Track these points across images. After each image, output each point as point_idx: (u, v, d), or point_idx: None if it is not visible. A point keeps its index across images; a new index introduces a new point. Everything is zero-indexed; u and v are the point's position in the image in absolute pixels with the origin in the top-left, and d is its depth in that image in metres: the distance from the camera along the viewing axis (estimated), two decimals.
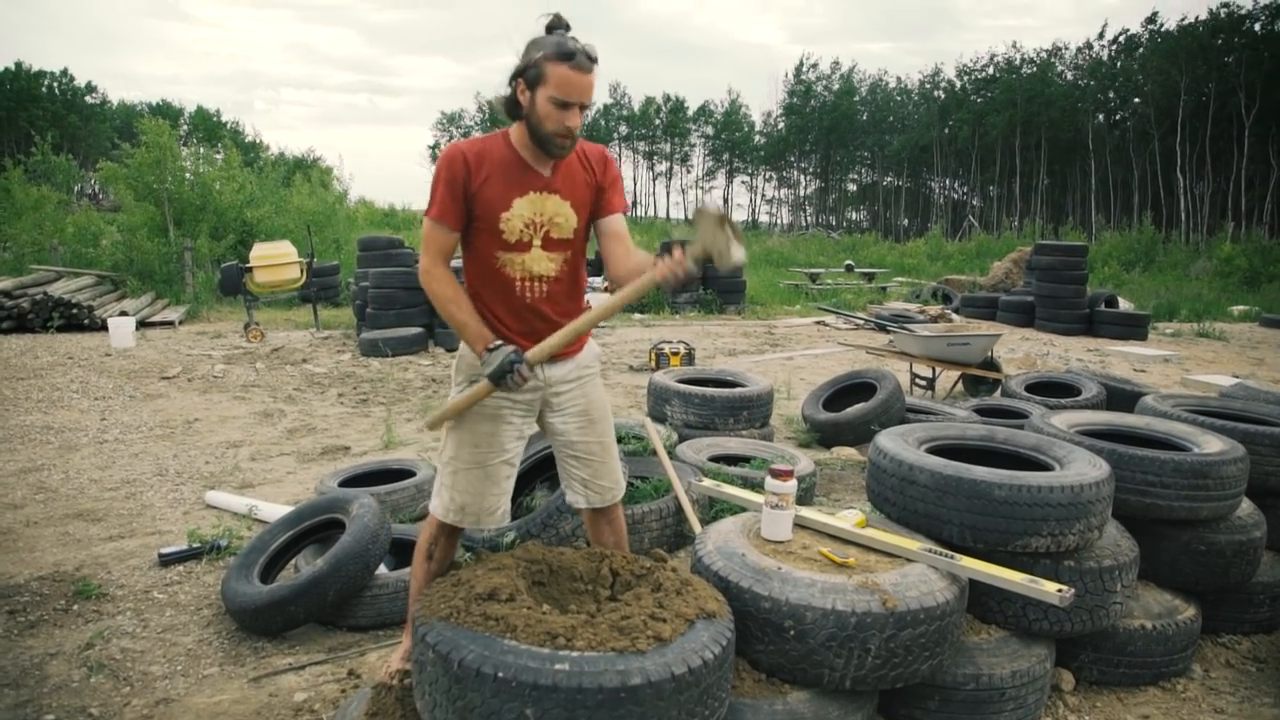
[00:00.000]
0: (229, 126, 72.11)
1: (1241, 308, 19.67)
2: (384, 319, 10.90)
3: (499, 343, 2.52)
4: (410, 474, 4.88)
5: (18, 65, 71.27)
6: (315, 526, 3.92)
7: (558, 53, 2.38)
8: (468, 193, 2.50)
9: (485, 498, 2.66)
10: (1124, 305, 16.20)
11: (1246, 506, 3.50)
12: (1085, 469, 2.93)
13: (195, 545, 4.32)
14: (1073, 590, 2.46)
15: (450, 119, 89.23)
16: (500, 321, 2.64)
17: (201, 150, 19.81)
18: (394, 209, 37.15)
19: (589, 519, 2.96)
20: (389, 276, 11.13)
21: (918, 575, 2.53)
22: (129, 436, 6.67)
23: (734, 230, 2.41)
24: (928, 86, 73.87)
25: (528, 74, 2.43)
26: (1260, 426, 3.74)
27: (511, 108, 2.51)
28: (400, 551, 3.89)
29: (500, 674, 1.94)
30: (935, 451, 3.27)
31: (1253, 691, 3.23)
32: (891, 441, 3.19)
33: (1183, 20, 51.79)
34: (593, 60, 2.42)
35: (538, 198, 2.55)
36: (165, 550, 4.27)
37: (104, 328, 11.67)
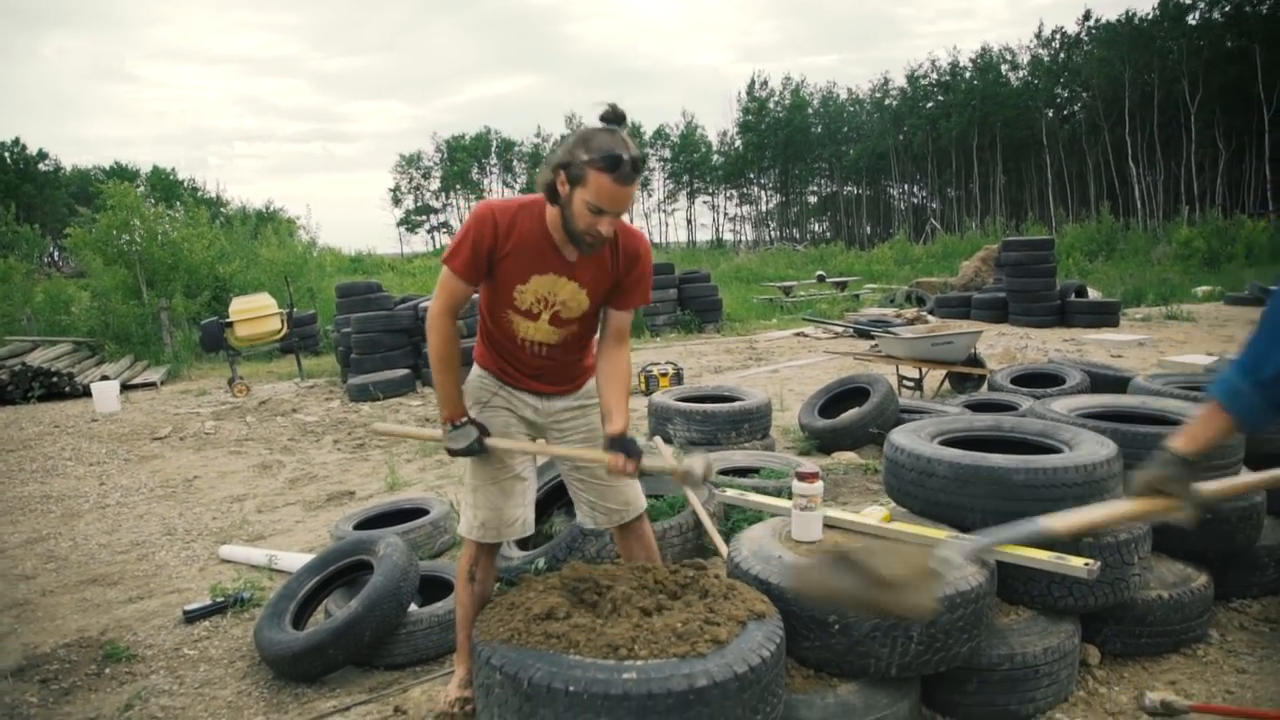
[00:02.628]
0: (186, 184, 71.73)
1: (1205, 288, 20.11)
2: (369, 363, 10.93)
3: (465, 420, 2.67)
4: (424, 512, 4.92)
5: None
6: (342, 570, 3.96)
7: (604, 161, 2.32)
8: (491, 257, 2.53)
9: (503, 511, 2.79)
10: (1093, 294, 16.54)
11: (1245, 474, 3.63)
12: (1095, 449, 3.06)
13: (219, 599, 4.34)
14: (1099, 563, 2.58)
15: (409, 161, 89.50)
16: (504, 360, 2.79)
17: (169, 211, 19.74)
18: (360, 254, 37.19)
19: (618, 537, 3.05)
20: (371, 321, 11.19)
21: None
22: (131, 499, 6.66)
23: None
24: (878, 95, 75.12)
25: (570, 170, 2.37)
26: None
27: (550, 193, 2.46)
28: (427, 589, 3.94)
29: (571, 688, 2.02)
30: (947, 444, 3.38)
31: (1269, 650, 3.36)
32: (906, 438, 3.30)
33: (1126, 14, 53.20)
34: (638, 172, 2.38)
35: (555, 280, 2.59)
36: (189, 607, 4.28)
37: (86, 394, 11.60)
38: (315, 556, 4.08)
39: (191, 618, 4.22)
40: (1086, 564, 2.56)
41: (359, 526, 4.79)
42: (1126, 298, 17.82)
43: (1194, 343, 12.23)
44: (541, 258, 2.56)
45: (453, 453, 2.69)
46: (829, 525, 3.02)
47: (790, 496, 3.13)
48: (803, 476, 2.91)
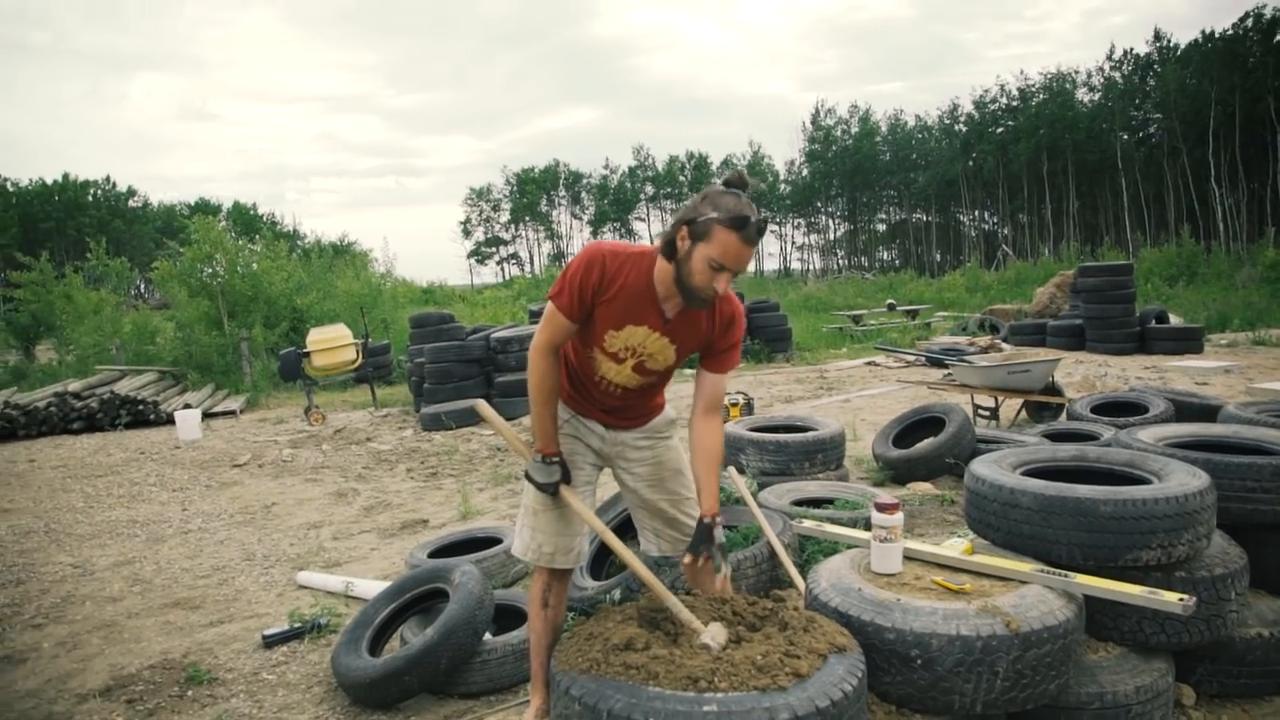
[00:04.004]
0: (265, 219, 74.26)
1: None
2: (441, 393, 11.11)
3: (556, 459, 2.72)
4: (497, 540, 4.96)
5: (65, 176, 74.43)
6: (418, 597, 4.01)
7: (731, 220, 2.35)
8: (593, 300, 2.57)
9: (560, 537, 2.81)
10: (1174, 320, 16.02)
11: None
12: (1186, 479, 2.95)
13: (297, 625, 4.42)
14: (1194, 598, 2.48)
15: (479, 193, 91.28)
16: (578, 391, 2.83)
17: (250, 245, 20.44)
18: (432, 285, 37.85)
19: (688, 570, 3.03)
20: (444, 351, 11.39)
21: (1035, 596, 2.57)
22: (212, 524, 6.85)
23: None
24: (947, 121, 74.34)
25: (695, 227, 2.40)
26: None
27: (668, 249, 2.48)
28: (501, 617, 3.96)
29: (651, 719, 2.00)
30: (1030, 475, 3.30)
31: None
32: (988, 469, 3.23)
33: (1204, 32, 51.92)
34: (761, 234, 2.42)
35: (648, 333, 2.62)
36: (268, 632, 4.37)
37: (170, 421, 12.02)
38: (391, 584, 4.14)
39: (270, 643, 4.30)
40: (1181, 599, 2.45)
41: (433, 554, 4.85)
42: (1210, 323, 17.24)
43: None
44: (640, 310, 2.59)
45: (534, 483, 2.74)
46: (909, 557, 2.96)
47: (867, 527, 3.08)
48: (882, 508, 2.86)
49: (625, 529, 4.28)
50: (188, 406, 12.43)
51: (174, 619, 4.81)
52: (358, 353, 12.45)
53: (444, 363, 11.27)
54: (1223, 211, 48.42)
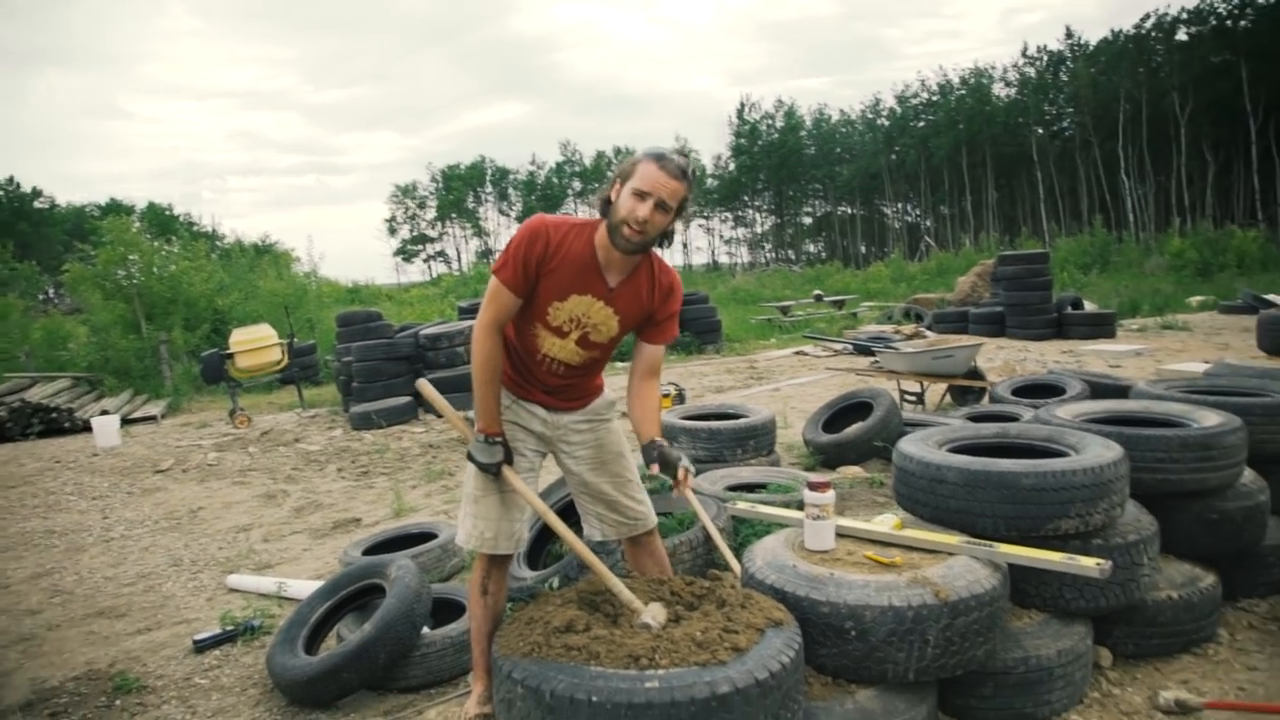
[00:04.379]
0: (182, 219, 71.97)
1: (1199, 298, 20.24)
2: (371, 391, 10.97)
3: (499, 439, 2.73)
4: (433, 536, 4.93)
5: None
6: (353, 594, 3.96)
7: (651, 153, 2.54)
8: (539, 271, 2.61)
9: (501, 522, 2.82)
10: (1089, 306, 16.62)
11: (1249, 474, 3.66)
12: (1101, 451, 3.08)
13: (229, 628, 4.34)
14: (1110, 563, 2.60)
15: (404, 191, 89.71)
16: (519, 373, 2.85)
17: (167, 246, 19.84)
18: (358, 285, 37.20)
19: (630, 551, 3.09)
20: (372, 349, 11.24)
21: (963, 566, 2.66)
22: (135, 532, 6.65)
23: None
24: (870, 116, 75.71)
25: (623, 171, 2.57)
26: (1251, 398, 3.94)
27: (603, 205, 2.61)
28: (439, 611, 3.94)
29: (594, 698, 2.03)
30: (956, 452, 3.41)
31: (1279, 648, 3.38)
32: (915, 446, 3.33)
33: (1114, 32, 53.93)
34: (683, 171, 2.53)
35: (592, 302, 2.67)
36: (199, 636, 4.28)
37: (86, 429, 11.61)
38: (326, 582, 4.09)
39: (202, 647, 4.21)
40: (1099, 563, 2.57)
41: (367, 552, 4.79)
42: (1122, 309, 17.92)
43: (1190, 351, 12.29)
44: (584, 278, 2.64)
45: (476, 463, 2.73)
46: (841, 534, 3.04)
47: (800, 509, 3.15)
48: (814, 486, 2.93)
49: (567, 515, 4.30)
50: (105, 413, 12.02)
51: (98, 629, 4.68)
52: (283, 353, 12.20)
53: (372, 361, 11.12)
54: (1132, 203, 50.33)
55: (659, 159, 2.51)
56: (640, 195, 2.50)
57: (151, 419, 12.83)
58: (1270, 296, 16.39)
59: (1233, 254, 27.52)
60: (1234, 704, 2.90)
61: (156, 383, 15.39)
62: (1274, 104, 44.41)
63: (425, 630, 3.76)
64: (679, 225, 2.68)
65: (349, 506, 6.87)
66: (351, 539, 5.76)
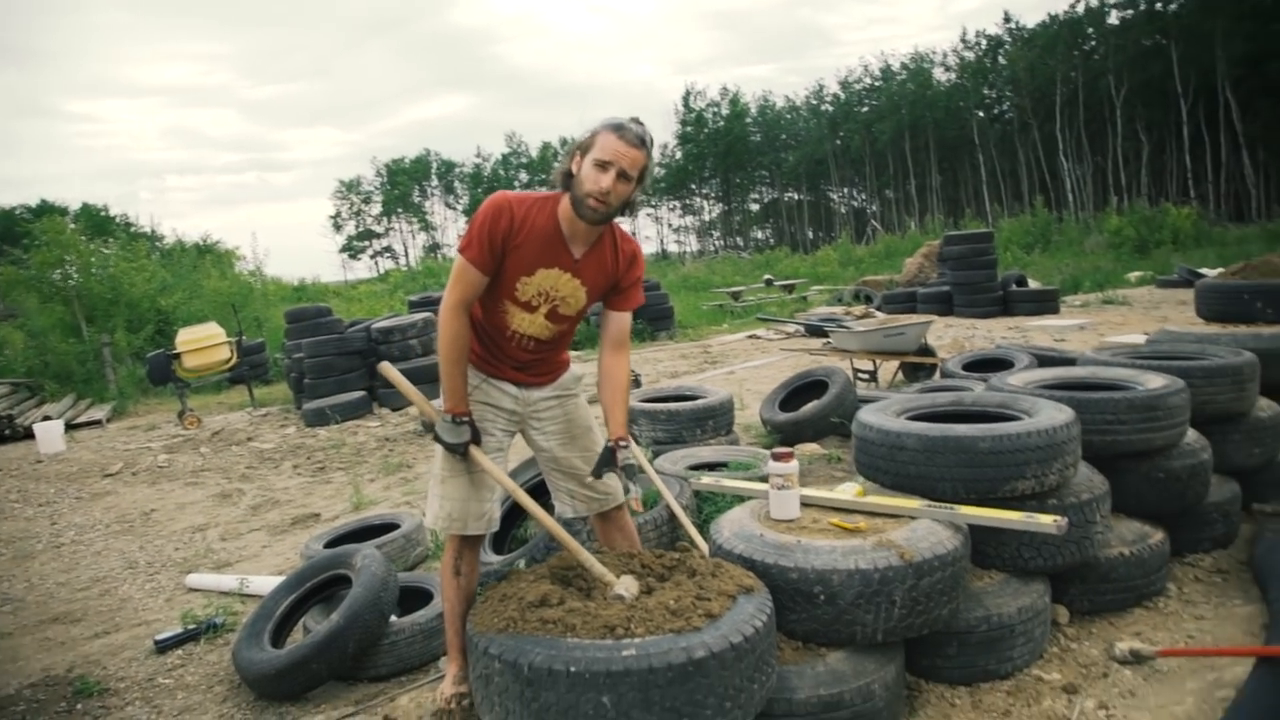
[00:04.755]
0: (119, 220, 70.15)
1: (1137, 274, 20.77)
2: (324, 387, 10.84)
3: (465, 419, 2.71)
4: (395, 526, 4.91)
5: None
6: (319, 586, 3.94)
7: (609, 124, 2.57)
8: (505, 247, 2.62)
9: (470, 502, 2.82)
10: (1033, 284, 16.99)
11: (1192, 434, 3.79)
12: (1054, 414, 3.18)
13: (191, 627, 4.28)
14: (1066, 519, 2.69)
15: (349, 186, 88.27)
16: (488, 350, 2.85)
17: (104, 249, 19.36)
18: (304, 283, 36.59)
19: (599, 527, 3.12)
20: (323, 345, 11.10)
21: (925, 529, 2.74)
22: (86, 536, 6.51)
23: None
24: (814, 102, 76.28)
25: (582, 143, 2.60)
26: (1192, 362, 4.08)
27: (564, 178, 2.63)
28: (406, 601, 3.92)
29: (573, 669, 2.06)
30: (913, 420, 3.48)
31: (1223, 598, 3.54)
32: (874, 416, 3.40)
33: (1050, 16, 54.89)
34: (642, 140, 2.57)
35: (559, 275, 2.70)
36: (160, 636, 4.22)
37: (29, 435, 11.30)
38: (290, 575, 4.05)
39: (164, 647, 4.15)
40: (1055, 520, 2.66)
41: (330, 545, 4.74)
42: (1065, 286, 18.34)
43: (1131, 324, 12.64)
44: (550, 251, 2.66)
45: (443, 444, 2.73)
46: (806, 504, 3.09)
47: (763, 482, 3.20)
48: (778, 456, 2.98)
49: (536, 496, 4.30)
50: (47, 418, 11.71)
51: (53, 634, 4.58)
52: (232, 352, 11.99)
53: (324, 356, 10.99)
54: (1071, 183, 51.43)
55: (618, 129, 2.54)
56: (602, 166, 2.53)
57: (97, 423, 12.53)
58: (1204, 270, 16.87)
59: (1168, 231, 28.22)
60: (1185, 650, 3.03)
61: (100, 386, 15.03)
62: (1203, 85, 45.58)
63: (393, 618, 3.76)
64: (638, 196, 2.70)
65: (307, 502, 6.80)
66: (312, 534, 5.70)
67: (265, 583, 4.70)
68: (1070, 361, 6.73)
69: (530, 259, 2.65)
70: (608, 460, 2.75)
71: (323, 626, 3.48)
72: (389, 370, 3.04)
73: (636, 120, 2.60)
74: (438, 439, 2.73)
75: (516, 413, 2.91)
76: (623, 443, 2.75)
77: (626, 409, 2.85)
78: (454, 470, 2.79)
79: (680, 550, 2.74)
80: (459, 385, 2.71)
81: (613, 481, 2.99)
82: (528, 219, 2.62)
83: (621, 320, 2.90)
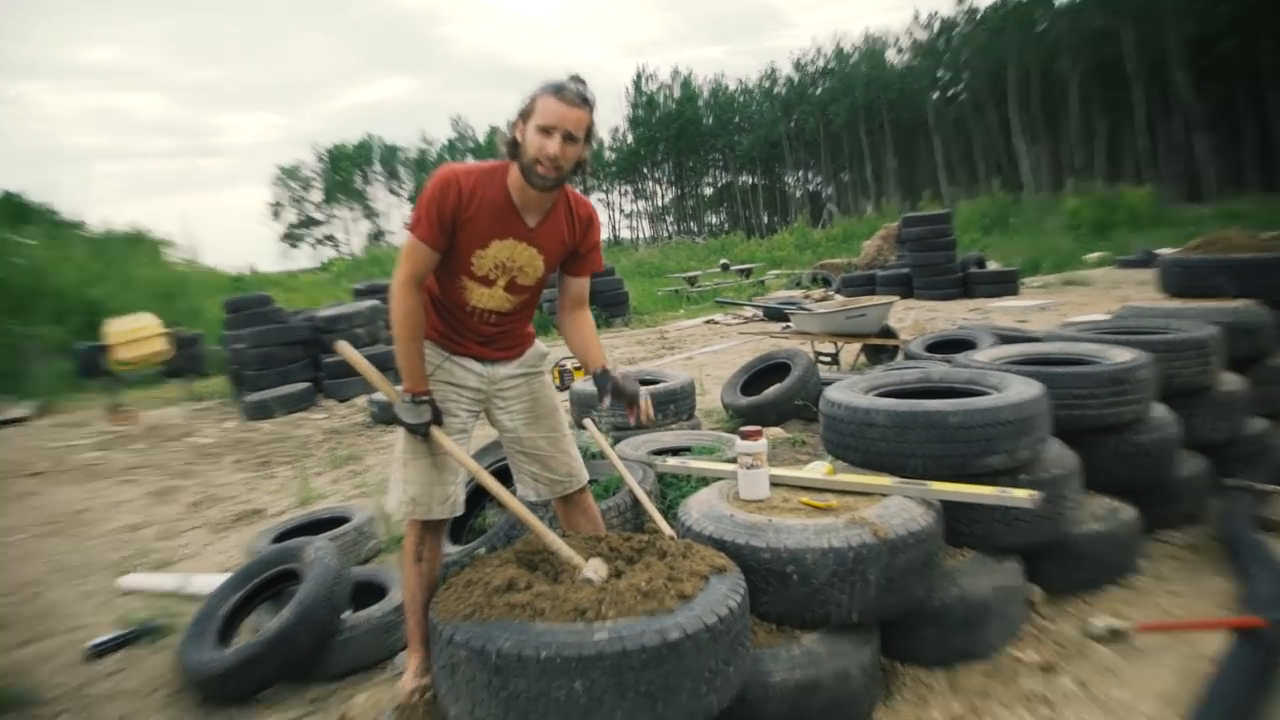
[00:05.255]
0: (40, 208, 68.20)
1: (1096, 254, 21.21)
2: (266, 379, 10.68)
3: (426, 398, 2.68)
4: (346, 519, 4.81)
5: None
6: (267, 582, 3.85)
7: (548, 87, 2.53)
8: (455, 222, 2.58)
9: (434, 486, 2.78)
10: (992, 265, 17.25)
11: (1160, 409, 3.86)
12: (1023, 389, 3.22)
13: (128, 630, 4.16)
14: (1041, 493, 2.71)
15: (288, 173, 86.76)
16: (449, 327, 2.82)
17: (20, 240, 18.78)
18: (242, 274, 35.90)
19: (562, 512, 3.10)
20: (266, 335, 10.96)
21: (898, 505, 2.74)
22: (10, 539, 6.30)
23: None
24: (767, 84, 76.65)
25: (524, 110, 2.56)
26: (1157, 335, 4.15)
27: (511, 147, 2.61)
28: (359, 596, 3.84)
29: (544, 654, 2.02)
30: (882, 397, 3.49)
31: (1196, 574, 3.61)
32: (842, 393, 3.40)
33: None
34: (583, 98, 2.54)
35: (514, 245, 2.68)
36: (95, 641, 4.08)
37: None
38: (236, 571, 3.96)
39: (99, 651, 4.02)
40: (1030, 494, 2.68)
41: (277, 540, 4.64)
42: (1025, 267, 18.65)
43: (1093, 304, 12.89)
44: (503, 222, 2.64)
45: (403, 425, 2.69)
46: (775, 484, 3.08)
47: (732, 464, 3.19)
48: (746, 435, 2.97)
49: (482, 494, 4.25)
50: None
51: None
52: (168, 344, 11.72)
53: (267, 347, 10.85)
54: (1028, 164, 52.29)
55: (557, 91, 2.52)
56: (546, 131, 2.51)
57: (19, 421, 12.16)
58: (1163, 251, 17.26)
59: (1125, 211, 28.88)
60: (1162, 624, 3.08)
61: (23, 381, 14.57)
62: (1157, 66, 46.57)
63: (347, 613, 3.69)
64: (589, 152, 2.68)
65: (250, 498, 6.67)
66: (257, 530, 5.58)
67: (208, 581, 4.58)
68: (1034, 341, 6.86)
69: (483, 231, 2.62)
70: (605, 383, 2.82)
71: (273, 622, 3.40)
72: (346, 349, 2.97)
73: (576, 79, 2.57)
74: (398, 420, 2.68)
75: (481, 391, 2.87)
76: (609, 369, 2.85)
77: (599, 346, 2.94)
78: (416, 453, 2.75)
79: (649, 530, 2.72)
80: (416, 364, 2.66)
81: (575, 461, 2.99)
82: (477, 191, 2.59)
83: (580, 284, 2.94)
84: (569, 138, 2.52)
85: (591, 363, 2.89)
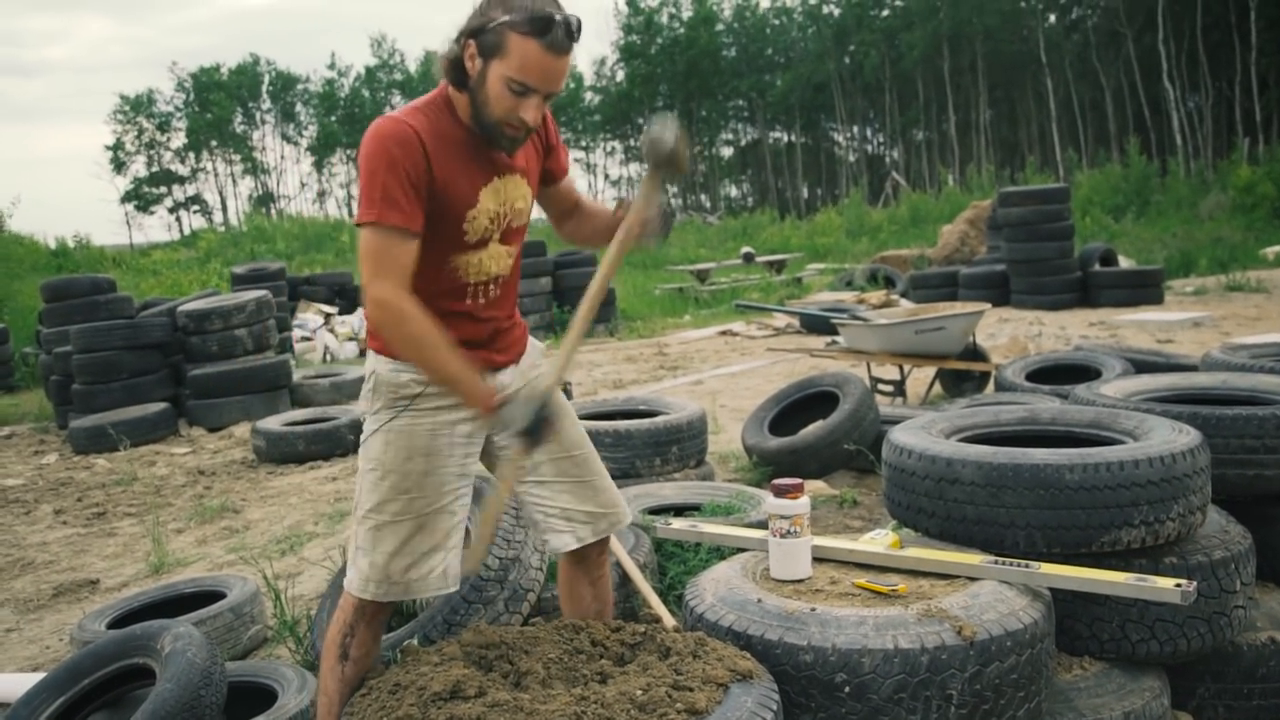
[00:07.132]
0: None
1: (1278, 248, 21.20)
2: (103, 396, 10.73)
3: (504, 397, 2.67)
4: (220, 595, 4.82)
5: None
6: (102, 684, 3.85)
7: (529, 22, 2.44)
8: (432, 188, 2.58)
9: (417, 559, 2.73)
10: (1124, 263, 17.36)
11: None
12: (1171, 436, 3.24)
13: None
14: (1194, 583, 2.73)
15: (135, 105, 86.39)
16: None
17: None
18: (66, 245, 35.94)
19: (570, 573, 3.10)
20: (103, 335, 10.97)
21: (991, 594, 2.76)
22: None
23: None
24: (813, 3, 76.59)
25: (483, 38, 2.50)
26: None
27: (456, 74, 2.60)
28: (236, 703, 3.85)
29: None
30: (969, 442, 3.52)
31: None
32: (914, 436, 3.44)
33: None
34: (573, 39, 2.52)
35: (501, 183, 2.74)
36: None
37: None
38: (57, 669, 3.96)
39: None
40: (1179, 584, 2.70)
41: (115, 624, 4.65)
42: (1172, 265, 18.74)
43: (1270, 319, 12.97)
44: (481, 162, 2.70)
45: (530, 435, 2.61)
46: (819, 559, 3.11)
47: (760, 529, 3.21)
48: (782, 490, 3.00)
49: None
50: None
51: None
52: None
53: (105, 351, 10.87)
54: (1180, 119, 52.12)
55: (543, 32, 2.45)
56: (522, 91, 2.52)
57: None
58: None
59: None
60: None
61: None
62: None
63: None
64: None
65: (78, 563, 6.69)
66: (88, 608, 5.60)
67: (12, 683, 4.59)
68: (1183, 370, 6.90)
69: (466, 186, 2.65)
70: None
71: None
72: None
73: (567, 15, 2.51)
74: (525, 437, 2.60)
75: (476, 424, 2.81)
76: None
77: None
78: (393, 514, 2.71)
79: (647, 618, 2.75)
80: (463, 370, 2.61)
81: (613, 487, 3.10)
82: (440, 135, 2.60)
83: (568, 185, 3.14)
84: (550, 96, 2.57)
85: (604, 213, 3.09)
